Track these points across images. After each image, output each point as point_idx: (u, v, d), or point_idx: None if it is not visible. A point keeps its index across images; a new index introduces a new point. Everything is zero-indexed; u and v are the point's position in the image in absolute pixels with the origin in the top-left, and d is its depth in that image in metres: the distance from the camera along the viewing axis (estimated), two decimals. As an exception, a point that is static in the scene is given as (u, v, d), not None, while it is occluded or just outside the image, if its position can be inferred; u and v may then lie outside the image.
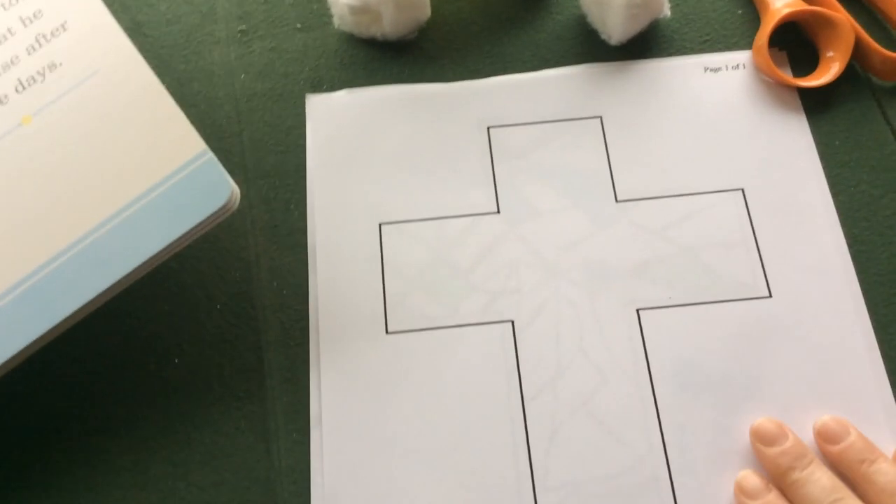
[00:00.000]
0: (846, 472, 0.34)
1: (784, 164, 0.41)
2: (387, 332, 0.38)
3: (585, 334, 0.38)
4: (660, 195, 0.41)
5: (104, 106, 0.37)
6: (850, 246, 0.39)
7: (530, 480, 0.35)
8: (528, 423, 0.36)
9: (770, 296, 0.38)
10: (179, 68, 0.44)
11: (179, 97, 0.37)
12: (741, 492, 0.34)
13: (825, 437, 0.35)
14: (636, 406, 0.36)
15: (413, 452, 0.36)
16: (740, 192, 0.41)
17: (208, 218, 0.35)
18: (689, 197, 0.41)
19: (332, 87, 0.44)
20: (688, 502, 0.35)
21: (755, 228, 0.40)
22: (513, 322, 0.38)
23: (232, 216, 0.40)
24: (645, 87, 0.44)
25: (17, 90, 0.38)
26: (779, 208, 0.40)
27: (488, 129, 0.43)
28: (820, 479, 0.33)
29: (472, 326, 0.38)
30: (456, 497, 0.35)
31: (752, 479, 0.34)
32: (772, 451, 0.34)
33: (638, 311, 0.38)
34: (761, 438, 0.35)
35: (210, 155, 0.36)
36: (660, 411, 0.36)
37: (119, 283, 0.34)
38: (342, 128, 0.43)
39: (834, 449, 0.34)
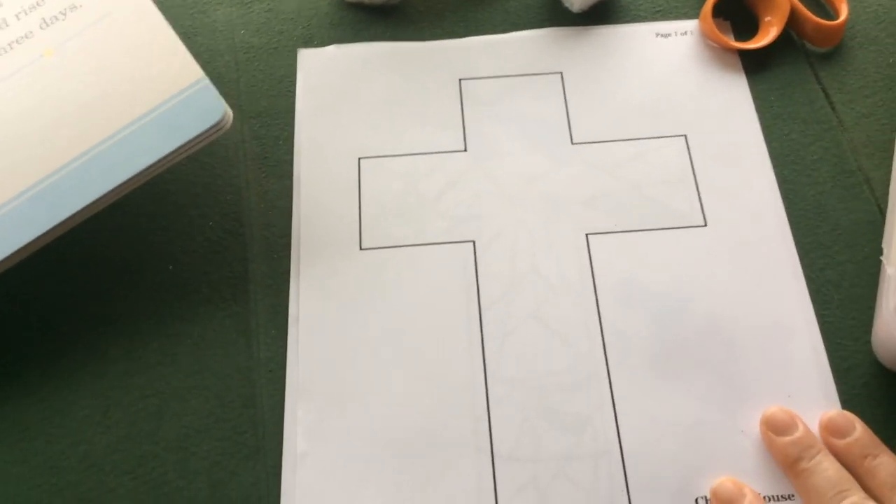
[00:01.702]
0: (850, 466, 0.35)
1: (724, 115, 0.46)
2: (360, 248, 0.43)
3: (539, 254, 0.42)
4: (611, 139, 0.46)
5: (117, 40, 0.42)
6: (779, 185, 0.44)
7: (483, 374, 0.39)
8: (483, 326, 0.40)
9: (705, 225, 0.43)
10: (186, 24, 0.50)
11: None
12: (718, 502, 0.35)
13: (831, 431, 0.36)
14: (580, 314, 0.40)
15: (380, 350, 0.40)
16: (683, 137, 0.45)
17: (205, 132, 0.40)
18: (638, 141, 0.45)
19: (322, 44, 0.49)
20: (622, 394, 0.38)
21: (695, 168, 0.44)
22: (474, 242, 0.43)
23: (225, 148, 0.45)
24: (602, 48, 0.49)
25: (41, 27, 0.43)
26: (717, 151, 0.45)
27: (460, 80, 0.48)
28: (827, 469, 0.34)
29: (438, 245, 0.43)
30: (417, 388, 0.39)
31: (727, 486, 0.35)
32: (782, 440, 0.36)
33: (587, 235, 0.43)
34: (772, 427, 0.36)
35: (207, 81, 0.41)
36: (602, 319, 0.40)
37: (127, 183, 0.39)
38: (329, 77, 0.48)
39: (840, 443, 0.35)
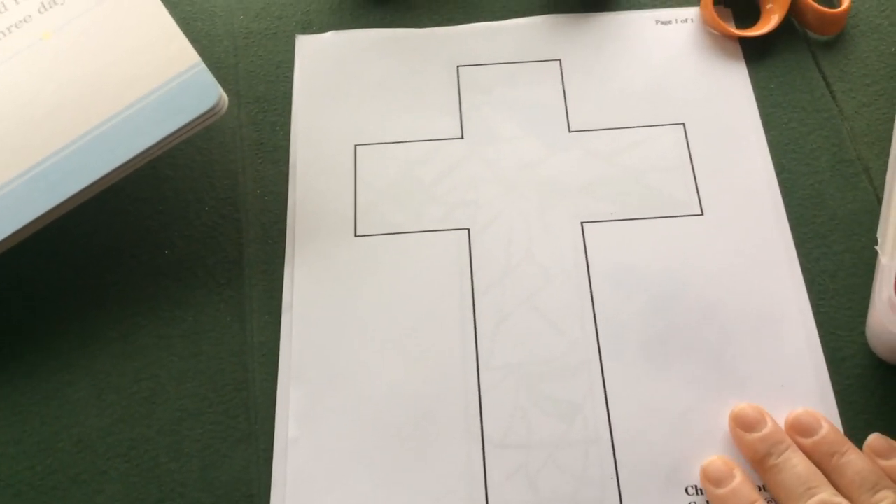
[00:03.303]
0: (818, 464, 0.34)
1: (723, 103, 0.46)
2: (355, 234, 0.43)
3: (534, 241, 0.42)
4: (609, 127, 0.45)
5: (114, 24, 0.42)
6: (777, 174, 0.43)
7: (475, 361, 0.39)
8: (476, 313, 0.40)
9: (702, 213, 0.42)
10: (186, 9, 0.50)
11: (184, 33, 0.42)
12: (707, 479, 0.35)
13: (798, 430, 0.36)
14: (574, 302, 0.40)
15: (373, 336, 0.40)
16: (681, 125, 0.45)
17: (200, 116, 0.40)
18: (636, 129, 0.45)
19: (321, 30, 0.49)
20: (614, 382, 0.38)
21: (693, 156, 0.44)
22: (469, 230, 0.43)
23: (222, 134, 0.45)
24: (602, 36, 0.48)
25: (39, 11, 0.43)
26: (715, 140, 0.45)
27: (458, 67, 0.48)
28: (796, 466, 0.34)
29: (432, 232, 0.43)
30: (409, 374, 0.39)
31: (717, 464, 0.35)
32: (750, 437, 0.36)
33: (582, 223, 0.43)
34: (741, 424, 0.36)
35: (202, 66, 0.41)
36: (595, 307, 0.40)
37: (124, 167, 0.39)
38: (327, 64, 0.48)
39: (806, 442, 0.35)
